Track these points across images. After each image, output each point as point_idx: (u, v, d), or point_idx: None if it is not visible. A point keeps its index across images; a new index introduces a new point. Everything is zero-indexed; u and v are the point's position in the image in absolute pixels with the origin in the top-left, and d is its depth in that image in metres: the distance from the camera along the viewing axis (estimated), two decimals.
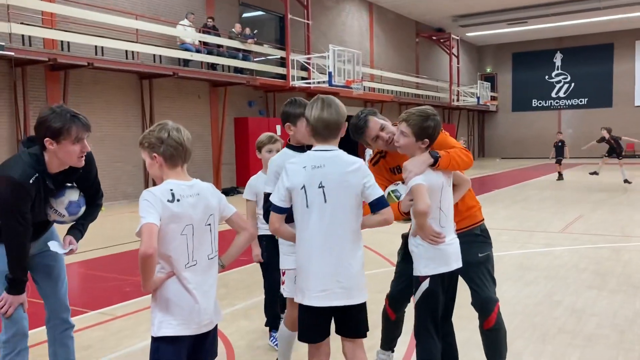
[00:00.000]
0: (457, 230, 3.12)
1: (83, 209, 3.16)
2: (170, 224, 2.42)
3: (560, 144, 19.36)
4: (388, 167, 3.44)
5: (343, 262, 2.73)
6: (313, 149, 2.82)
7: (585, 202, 13.42)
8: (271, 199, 2.81)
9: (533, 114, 38.08)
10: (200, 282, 2.52)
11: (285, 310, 3.48)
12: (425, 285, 2.97)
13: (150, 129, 2.57)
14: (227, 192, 16.87)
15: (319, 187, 2.71)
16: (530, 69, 38.04)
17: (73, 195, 3.09)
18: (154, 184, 2.59)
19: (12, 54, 11.78)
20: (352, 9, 25.82)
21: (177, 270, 2.47)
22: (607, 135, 17.05)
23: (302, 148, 3.21)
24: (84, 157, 2.96)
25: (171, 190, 2.46)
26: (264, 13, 21.27)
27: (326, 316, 2.79)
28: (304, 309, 2.79)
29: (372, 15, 27.36)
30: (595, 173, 16.41)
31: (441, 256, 2.96)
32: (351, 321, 2.82)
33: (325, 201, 2.71)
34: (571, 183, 17.96)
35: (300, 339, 2.88)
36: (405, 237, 3.42)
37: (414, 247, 3.01)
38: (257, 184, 4.16)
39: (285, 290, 3.32)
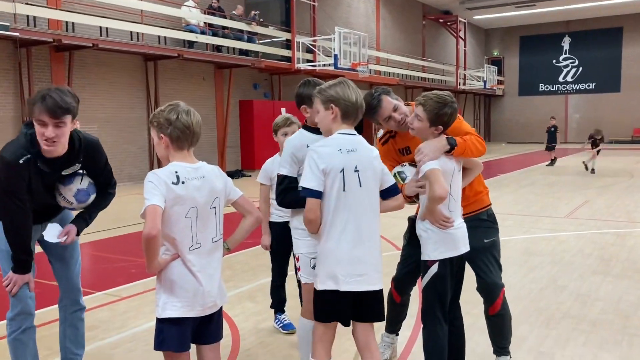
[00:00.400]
0: (463, 214, 3.10)
1: (92, 197, 3.13)
2: (175, 206, 2.42)
3: (553, 129, 19.16)
4: (397, 147, 3.40)
5: (375, 246, 2.75)
6: (339, 132, 2.74)
7: (591, 187, 13.38)
8: (306, 184, 2.66)
9: (540, 99, 37.79)
10: (204, 264, 2.52)
11: (303, 302, 3.18)
12: (434, 269, 2.96)
13: (161, 108, 2.55)
14: (232, 175, 16.84)
15: (355, 171, 2.69)
16: (538, 53, 37.68)
17: (82, 183, 3.06)
18: (159, 166, 2.57)
19: (17, 34, 11.74)
20: None
21: (181, 252, 2.47)
22: (598, 137, 17.15)
23: (319, 129, 3.09)
24: (50, 145, 2.78)
25: (176, 172, 2.45)
26: None
27: (350, 300, 2.74)
28: (336, 295, 2.69)
29: None
30: (592, 171, 16.44)
31: (450, 240, 2.95)
32: (372, 306, 2.78)
33: (361, 185, 2.69)
34: (577, 168, 17.86)
35: (344, 324, 2.80)
36: (411, 220, 3.40)
37: (423, 231, 3.00)
38: (272, 167, 4.03)
39: (302, 276, 3.12)
